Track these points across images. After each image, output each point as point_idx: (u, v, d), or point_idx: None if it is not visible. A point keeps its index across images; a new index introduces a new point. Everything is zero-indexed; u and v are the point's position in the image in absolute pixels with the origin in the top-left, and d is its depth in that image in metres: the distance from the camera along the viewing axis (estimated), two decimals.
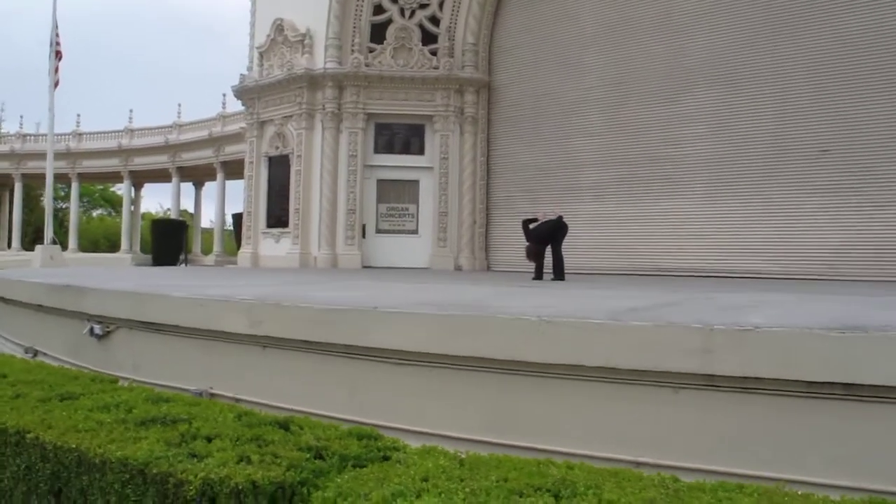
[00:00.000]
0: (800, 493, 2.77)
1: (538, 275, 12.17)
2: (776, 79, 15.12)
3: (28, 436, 3.63)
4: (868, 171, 13.99)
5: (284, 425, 3.68)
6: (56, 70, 23.75)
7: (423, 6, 19.62)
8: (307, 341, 5.22)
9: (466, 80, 19.30)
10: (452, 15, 19.54)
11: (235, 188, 31.37)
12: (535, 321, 4.25)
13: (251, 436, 3.44)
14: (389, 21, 19.55)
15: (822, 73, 14.57)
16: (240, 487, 2.84)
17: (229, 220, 34.43)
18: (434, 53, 19.35)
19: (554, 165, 18.24)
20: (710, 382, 3.86)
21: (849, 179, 14.17)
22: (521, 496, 2.65)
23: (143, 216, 44.62)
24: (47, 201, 25.03)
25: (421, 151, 19.44)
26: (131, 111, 36.75)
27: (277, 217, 20.21)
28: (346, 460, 3.18)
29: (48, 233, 23.60)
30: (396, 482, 2.76)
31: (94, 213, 61.10)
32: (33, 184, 40.69)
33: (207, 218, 44.73)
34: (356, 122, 19.08)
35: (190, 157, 33.92)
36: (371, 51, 19.40)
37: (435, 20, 19.64)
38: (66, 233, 37.97)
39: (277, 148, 20.25)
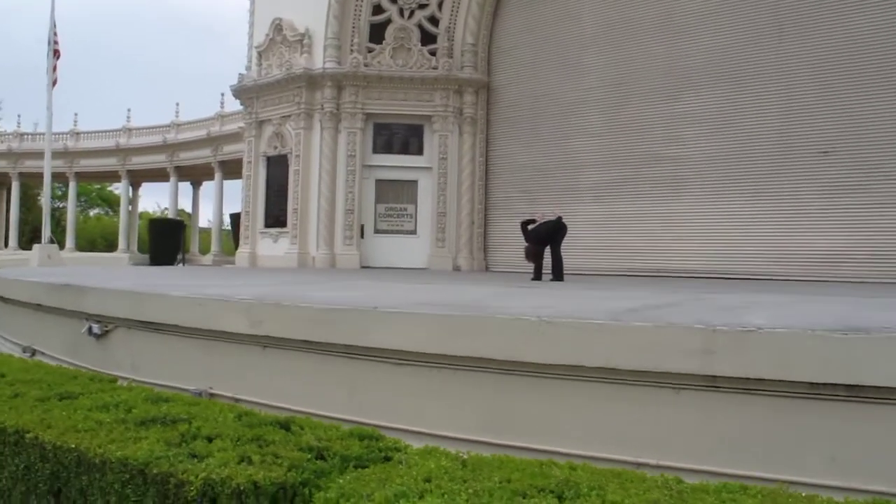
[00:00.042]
0: (804, 494, 2.76)
1: (537, 275, 12.18)
2: (776, 80, 15.12)
3: (27, 435, 3.61)
4: (871, 172, 14.00)
5: (285, 425, 3.66)
6: (54, 69, 23.71)
7: (422, 6, 19.62)
8: (307, 341, 5.20)
9: (465, 81, 19.29)
10: (451, 15, 19.53)
11: (233, 188, 31.35)
12: (535, 321, 4.24)
13: (252, 436, 3.43)
14: (388, 21, 19.54)
15: (824, 73, 14.58)
16: (241, 488, 2.82)
17: (227, 219, 34.42)
18: (433, 54, 19.35)
19: (553, 166, 18.24)
20: (712, 383, 3.85)
21: (852, 181, 14.17)
22: (524, 497, 2.64)
23: (141, 216, 44.60)
24: (45, 200, 24.98)
25: (420, 152, 19.43)
26: (129, 110, 36.76)
27: (275, 217, 20.18)
28: (347, 461, 3.17)
29: (46, 232, 23.54)
30: (399, 483, 2.75)
31: (92, 213, 61.03)
32: (30, 183, 40.63)
33: (205, 218, 44.69)
34: (355, 122, 19.07)
35: (188, 157, 33.89)
36: (370, 51, 19.39)
37: (434, 20, 19.64)
38: (63, 232, 37.89)
39: (276, 148, 20.23)
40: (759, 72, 15.35)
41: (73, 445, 3.38)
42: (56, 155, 30.68)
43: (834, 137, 14.43)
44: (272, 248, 20.09)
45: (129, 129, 36.17)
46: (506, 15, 19.64)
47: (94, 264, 27.46)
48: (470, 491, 2.68)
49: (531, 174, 18.72)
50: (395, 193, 19.50)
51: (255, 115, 20.75)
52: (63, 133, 36.51)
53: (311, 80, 19.20)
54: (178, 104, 35.13)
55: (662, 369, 3.91)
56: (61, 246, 30.56)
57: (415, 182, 19.34)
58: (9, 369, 5.16)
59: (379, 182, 19.35)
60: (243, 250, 20.99)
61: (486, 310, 4.91)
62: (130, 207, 39.05)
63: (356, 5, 19.34)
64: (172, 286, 7.70)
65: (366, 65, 19.12)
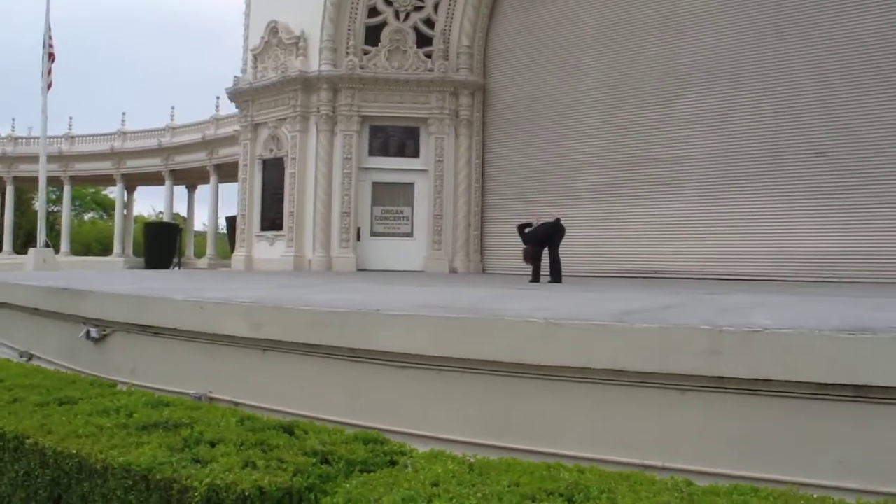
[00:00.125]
0: (815, 496, 2.74)
1: (535, 277, 12.17)
2: (774, 81, 15.14)
3: (27, 441, 3.57)
4: (869, 172, 14.01)
5: (288, 430, 3.63)
6: (49, 72, 23.61)
7: (417, 9, 19.60)
8: (308, 344, 5.16)
9: (461, 83, 19.27)
10: (447, 17, 19.52)
11: (229, 191, 31.26)
12: (541, 323, 4.21)
13: (255, 440, 3.39)
14: (384, 23, 19.52)
15: (822, 73, 14.59)
16: (246, 493, 2.78)
17: (223, 223, 34.30)
18: (429, 56, 19.33)
19: (549, 168, 18.22)
20: (719, 384, 3.82)
21: (850, 181, 14.19)
22: (533, 501, 2.61)
23: (136, 219, 44.41)
24: (41, 204, 24.86)
25: (416, 154, 19.40)
26: (124, 114, 36.63)
27: (271, 220, 20.13)
28: (352, 465, 3.13)
29: (41, 236, 23.43)
30: (406, 487, 2.72)
31: (86, 217, 60.86)
32: (25, 187, 40.47)
33: (200, 221, 44.63)
34: (351, 124, 19.04)
35: (183, 160, 33.80)
36: (366, 53, 19.35)
37: (430, 23, 19.62)
38: (57, 236, 37.70)
39: (272, 150, 20.18)
40: (756, 73, 15.36)
41: (74, 451, 3.34)
42: (51, 158, 30.55)
43: (832, 138, 14.45)
44: (268, 251, 20.02)
45: (124, 133, 36.06)
46: (502, 17, 19.63)
47: (89, 268, 27.35)
48: (479, 495, 2.64)
49: (528, 176, 18.70)
50: (392, 196, 19.47)
51: (250, 117, 20.70)
52: (58, 137, 36.37)
53: (307, 83, 19.17)
54: (172, 107, 35.10)
55: (669, 370, 3.88)
56: (56, 250, 30.43)
57: (411, 184, 19.31)
58: (7, 374, 5.11)
59: (375, 185, 19.31)
60: (239, 253, 20.93)
61: (485, 312, 4.88)
62: (125, 211, 38.93)
63: (352, 8, 19.31)
64: (170, 289, 7.66)
65: (361, 67, 19.08)
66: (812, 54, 14.73)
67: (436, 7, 19.52)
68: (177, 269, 29.44)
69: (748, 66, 15.46)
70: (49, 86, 23.65)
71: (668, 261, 15.99)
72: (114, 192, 42.26)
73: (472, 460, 3.12)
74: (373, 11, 19.53)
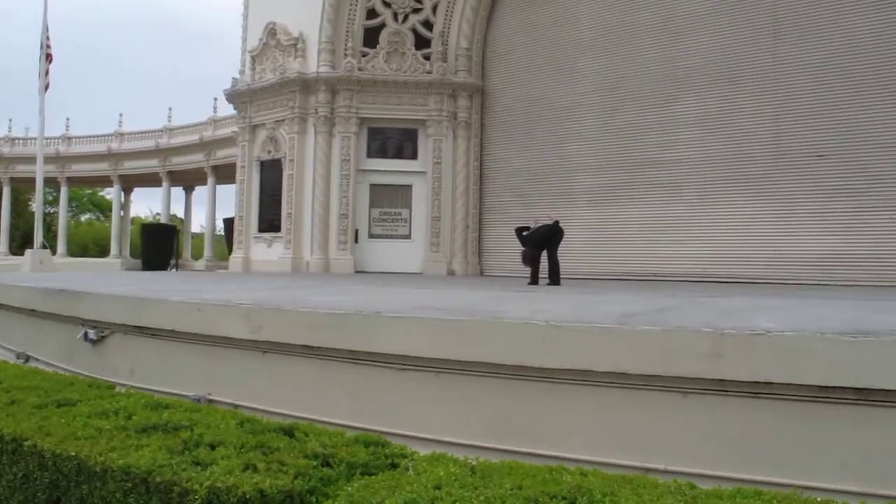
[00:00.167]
0: (819, 499, 2.73)
1: (534, 279, 12.16)
2: (773, 84, 15.17)
3: (25, 443, 3.54)
4: (867, 175, 14.05)
5: (289, 432, 3.61)
6: (46, 73, 23.54)
7: (416, 10, 19.60)
8: (308, 346, 5.15)
9: (460, 85, 19.27)
10: (446, 19, 19.52)
11: (226, 193, 31.23)
12: (543, 325, 4.20)
13: (255, 443, 3.37)
14: (382, 25, 19.52)
15: (820, 76, 14.63)
16: (247, 496, 2.76)
17: (220, 224, 34.25)
18: (427, 58, 19.33)
19: (548, 170, 18.23)
20: (720, 387, 3.82)
21: (848, 184, 14.22)
22: None
23: (133, 221, 44.33)
24: (38, 205, 24.76)
25: (414, 156, 19.40)
26: (121, 115, 36.53)
27: (269, 221, 20.11)
28: (354, 468, 3.11)
29: (38, 237, 23.35)
30: (409, 490, 2.70)
31: (83, 218, 60.74)
32: (21, 188, 40.36)
33: (198, 223, 44.55)
34: (349, 126, 19.02)
35: (181, 162, 33.72)
36: (364, 55, 19.34)
37: (428, 24, 19.62)
38: (54, 237, 37.63)
39: (270, 152, 20.16)
40: (755, 75, 15.39)
41: (73, 453, 3.31)
42: (48, 160, 30.43)
43: (830, 141, 14.48)
44: (266, 252, 20.00)
45: (122, 134, 35.98)
46: (500, 19, 19.64)
47: (86, 269, 27.29)
48: (481, 498, 2.63)
49: (526, 178, 18.71)
50: (390, 198, 19.46)
51: (248, 119, 20.68)
52: (55, 137, 36.27)
53: (305, 85, 19.15)
54: (170, 108, 35.02)
55: (670, 373, 3.88)
56: (53, 251, 30.32)
57: (409, 186, 19.30)
58: (4, 375, 5.08)
59: (373, 186, 19.30)
60: (237, 255, 20.89)
61: (487, 314, 4.87)
62: (122, 212, 38.82)
63: (350, 9, 19.31)
64: (168, 291, 7.63)
65: (360, 69, 19.08)
66: (811, 57, 14.76)
67: (434, 9, 19.53)
68: (174, 270, 29.39)
69: (747, 69, 15.48)
70: (46, 87, 23.57)
71: (666, 263, 15.99)
72: (111, 194, 42.17)
73: (474, 463, 3.10)
74: (371, 13, 19.53)
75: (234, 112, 22.54)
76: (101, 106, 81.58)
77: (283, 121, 19.66)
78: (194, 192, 38.11)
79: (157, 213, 45.16)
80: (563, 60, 18.19)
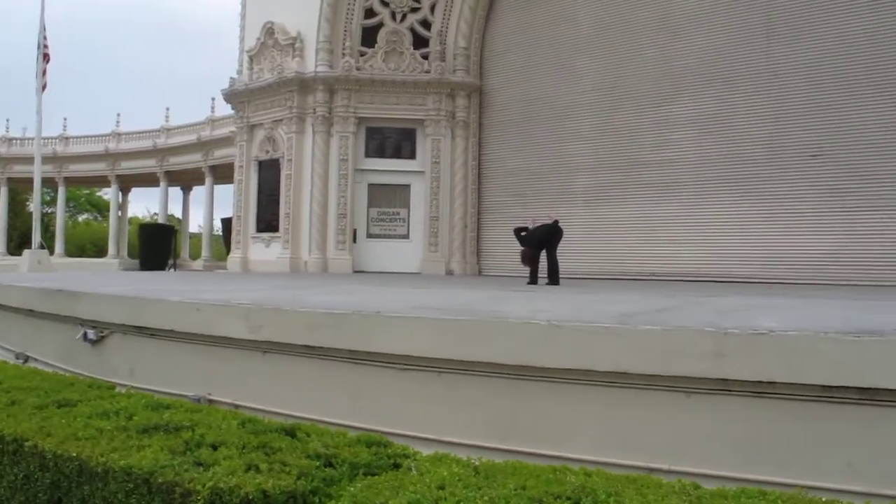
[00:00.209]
0: (823, 499, 2.72)
1: (533, 279, 12.16)
2: (767, 83, 15.17)
3: (26, 444, 3.53)
4: (862, 175, 14.06)
5: (291, 432, 3.59)
6: (44, 73, 23.49)
7: (414, 10, 19.57)
8: (308, 346, 5.13)
9: (458, 84, 19.25)
10: (444, 19, 19.50)
11: (224, 193, 31.19)
12: (544, 325, 4.19)
13: (257, 443, 3.36)
14: (380, 25, 19.49)
15: (814, 76, 14.64)
16: (250, 497, 2.75)
17: (218, 224, 34.19)
18: (425, 57, 19.30)
19: (546, 170, 18.22)
20: (723, 387, 3.81)
21: (842, 184, 14.22)
22: None
23: (131, 221, 44.28)
24: (35, 205, 24.71)
25: (412, 156, 19.37)
26: (118, 115, 36.47)
27: (267, 221, 20.08)
28: (356, 468, 3.10)
29: (36, 237, 23.29)
30: (412, 490, 2.69)
31: (81, 218, 60.64)
32: (18, 188, 40.28)
33: (195, 223, 44.45)
34: (347, 125, 19.00)
35: (178, 162, 33.67)
36: (362, 54, 19.32)
37: (426, 24, 19.60)
38: (52, 237, 37.56)
39: (268, 152, 20.13)
40: (750, 75, 15.39)
41: (75, 454, 3.30)
42: (45, 160, 30.39)
43: (824, 141, 14.49)
44: (264, 252, 19.98)
45: (119, 134, 35.93)
46: (498, 19, 19.62)
47: (84, 270, 27.24)
48: (485, 498, 2.62)
49: (524, 178, 18.69)
50: (388, 198, 19.43)
51: (246, 119, 20.65)
52: (52, 138, 36.21)
53: (303, 84, 19.13)
54: (167, 108, 34.97)
55: (673, 373, 3.87)
56: (51, 251, 30.28)
57: (407, 186, 19.28)
58: (4, 376, 5.07)
59: (371, 186, 19.28)
60: (235, 255, 20.86)
61: (486, 314, 4.85)
62: (120, 213, 38.76)
63: (348, 9, 19.28)
64: (167, 291, 7.61)
65: (358, 68, 19.05)
66: (804, 57, 14.77)
67: (432, 8, 19.51)
68: (172, 270, 29.34)
69: (741, 69, 15.50)
70: (44, 87, 23.52)
71: (663, 263, 15.99)
72: (108, 194, 42.08)
73: (478, 463, 3.10)
74: (369, 13, 19.50)
75: (231, 112, 22.51)
76: (99, 106, 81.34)
77: (281, 120, 19.63)
78: (192, 192, 38.06)
79: (155, 213, 45.08)
80: (560, 60, 18.18)
